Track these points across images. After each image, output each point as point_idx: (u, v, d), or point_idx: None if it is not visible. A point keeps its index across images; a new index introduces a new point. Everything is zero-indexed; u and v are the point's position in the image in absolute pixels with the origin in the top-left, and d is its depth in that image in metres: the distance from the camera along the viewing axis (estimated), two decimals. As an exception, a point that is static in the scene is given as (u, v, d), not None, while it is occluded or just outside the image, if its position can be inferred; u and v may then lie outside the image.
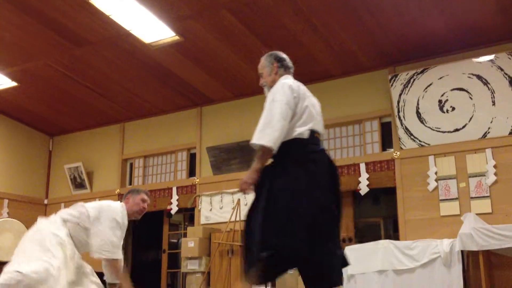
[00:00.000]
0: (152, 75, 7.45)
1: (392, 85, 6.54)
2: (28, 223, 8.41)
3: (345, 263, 2.97)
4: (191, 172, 8.19)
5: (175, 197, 8.02)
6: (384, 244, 5.76)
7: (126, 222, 3.92)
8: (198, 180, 7.91)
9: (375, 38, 6.26)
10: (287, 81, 3.08)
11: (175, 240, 8.39)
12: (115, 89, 7.94)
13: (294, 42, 6.37)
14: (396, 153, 6.50)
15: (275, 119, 2.88)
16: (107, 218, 3.75)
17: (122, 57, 6.99)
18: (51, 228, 3.64)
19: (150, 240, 8.80)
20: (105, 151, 9.01)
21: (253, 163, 2.93)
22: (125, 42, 6.58)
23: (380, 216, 6.97)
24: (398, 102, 6.47)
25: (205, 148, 7.87)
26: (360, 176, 6.63)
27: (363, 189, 6.57)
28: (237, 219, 6.98)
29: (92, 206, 3.87)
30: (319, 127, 3.10)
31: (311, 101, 3.10)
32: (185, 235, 7.55)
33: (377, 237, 6.35)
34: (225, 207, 7.48)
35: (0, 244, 7.43)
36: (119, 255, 3.70)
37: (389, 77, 6.58)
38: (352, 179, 6.70)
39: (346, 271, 5.78)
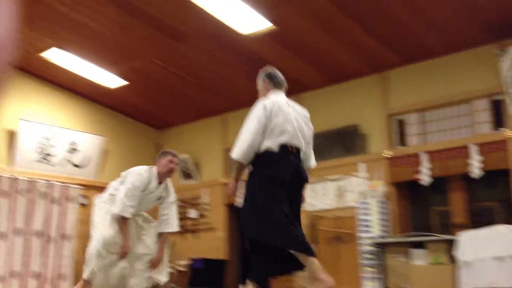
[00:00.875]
0: (249, 66, 7.53)
1: (500, 61, 6.09)
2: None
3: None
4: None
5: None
6: (501, 229, 5.43)
7: (152, 184, 4.51)
8: (300, 167, 7.92)
9: (481, 10, 5.86)
10: (264, 100, 3.51)
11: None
12: (215, 82, 8.15)
13: (395, 23, 6.14)
14: (509, 132, 6.07)
15: (246, 136, 3.38)
16: (127, 182, 4.40)
17: (220, 50, 7.15)
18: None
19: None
20: (209, 142, 9.31)
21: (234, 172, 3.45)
22: (222, 35, 6.71)
23: (496, 199, 6.55)
24: (510, 77, 6.02)
25: (306, 135, 7.85)
26: (471, 158, 6.28)
27: (475, 172, 6.22)
28: (342, 206, 6.90)
29: (124, 173, 4.62)
30: (295, 141, 3.42)
31: (287, 117, 3.42)
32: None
33: (492, 222, 5.99)
34: (328, 194, 7.43)
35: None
36: (126, 214, 4.29)
37: (497, 52, 6.14)
38: (462, 162, 6.36)
39: (461, 257, 5.54)
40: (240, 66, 7.59)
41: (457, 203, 6.62)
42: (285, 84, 3.76)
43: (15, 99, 7.73)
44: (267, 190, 3.26)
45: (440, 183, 6.77)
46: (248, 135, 3.35)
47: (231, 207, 8.70)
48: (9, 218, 7.38)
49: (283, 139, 3.36)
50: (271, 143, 3.34)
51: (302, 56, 7.14)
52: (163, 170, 4.59)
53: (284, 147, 3.36)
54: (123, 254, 4.33)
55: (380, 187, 6.84)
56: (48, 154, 8.12)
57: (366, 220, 6.60)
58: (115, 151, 9.28)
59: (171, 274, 8.89)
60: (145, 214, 4.85)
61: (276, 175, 3.29)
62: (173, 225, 4.74)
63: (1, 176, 7.40)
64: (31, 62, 7.65)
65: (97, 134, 8.80)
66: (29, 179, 7.64)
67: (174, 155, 4.65)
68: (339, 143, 7.44)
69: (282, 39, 6.71)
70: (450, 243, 5.80)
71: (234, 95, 8.55)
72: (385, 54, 6.89)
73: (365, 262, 6.47)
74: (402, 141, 7.14)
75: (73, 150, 8.46)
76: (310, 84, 7.92)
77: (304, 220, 7.15)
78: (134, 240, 4.50)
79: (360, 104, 7.45)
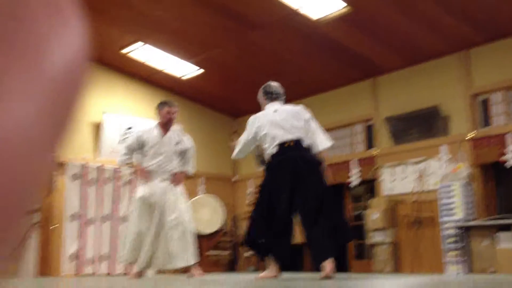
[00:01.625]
0: (322, 51, 7.48)
1: None
2: (220, 199, 9.17)
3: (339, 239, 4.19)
4: (369, 143, 8.10)
5: (355, 169, 8.01)
6: None
7: (155, 132, 5.01)
8: (377, 151, 7.79)
9: None
10: (253, 116, 4.45)
11: (357, 213, 8.42)
12: (287, 69, 8.15)
13: (475, 0, 5.86)
14: None
15: (239, 144, 4.50)
16: None
17: (292, 37, 7.14)
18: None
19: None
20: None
21: None
22: (294, 22, 6.70)
23: None
24: None
25: (383, 119, 7.70)
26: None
27: None
28: (422, 189, 6.74)
29: None
30: (289, 136, 4.13)
31: (274, 122, 4.21)
32: (367, 207, 7.53)
33: None
34: (408, 177, 7.27)
35: (199, 218, 8.20)
36: (122, 161, 5.10)
37: None
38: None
39: None
40: (312, 52, 7.54)
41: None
42: (282, 96, 4.53)
43: (99, 93, 8.12)
44: (262, 194, 4.20)
45: (528, 164, 6.43)
46: (240, 144, 4.46)
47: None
48: (97, 205, 7.81)
49: (277, 140, 4.12)
50: (269, 149, 4.17)
51: (378, 38, 6.98)
52: (164, 121, 5.02)
53: (280, 145, 4.10)
54: (141, 173, 4.94)
55: (463, 169, 6.61)
56: (131, 144, 8.47)
57: (449, 204, 6.41)
58: (192, 139, 9.53)
59: (249, 259, 9.06)
60: (178, 189, 5.04)
61: (272, 179, 4.13)
62: (189, 167, 5.23)
63: (88, 165, 7.83)
64: (113, 57, 8.00)
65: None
66: (114, 168, 8.02)
67: (171, 105, 5.03)
68: (419, 125, 7.24)
69: (357, 21, 6.59)
70: (541, 227, 5.52)
71: (306, 82, 8.51)
72: (466, 32, 6.61)
73: (448, 246, 6.29)
74: (486, 121, 6.84)
75: (153, 139, 8.78)
76: (387, 67, 7.74)
77: (383, 204, 7.07)
78: (167, 209, 4.81)
79: (440, 85, 7.20)
